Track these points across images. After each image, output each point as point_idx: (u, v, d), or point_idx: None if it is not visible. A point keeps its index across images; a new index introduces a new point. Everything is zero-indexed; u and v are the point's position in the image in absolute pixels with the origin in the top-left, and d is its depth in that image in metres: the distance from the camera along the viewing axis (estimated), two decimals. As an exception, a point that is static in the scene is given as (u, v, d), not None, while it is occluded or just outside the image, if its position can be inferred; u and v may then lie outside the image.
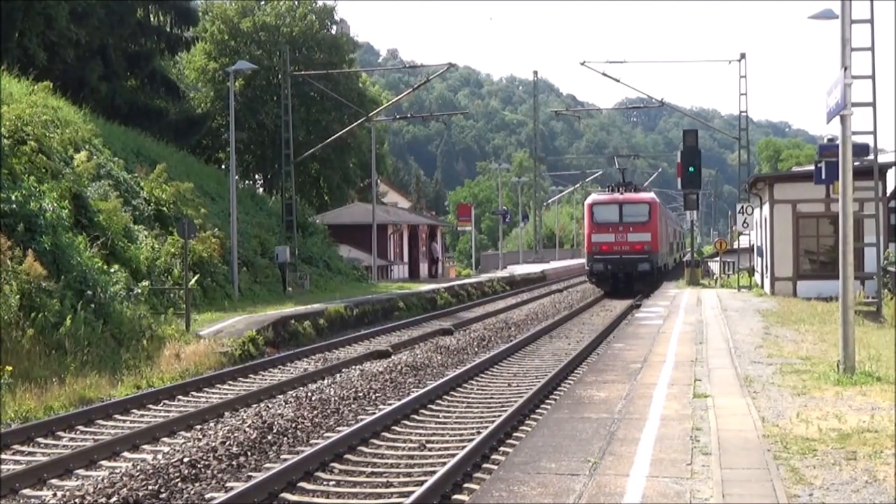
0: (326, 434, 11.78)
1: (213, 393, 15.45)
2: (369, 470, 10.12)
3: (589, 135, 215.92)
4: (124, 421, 13.12)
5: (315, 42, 49.60)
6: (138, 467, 9.97)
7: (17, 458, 10.91)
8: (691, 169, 34.86)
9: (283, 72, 35.25)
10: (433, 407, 13.69)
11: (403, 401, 13.42)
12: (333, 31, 51.61)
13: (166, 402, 14.49)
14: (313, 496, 9.23)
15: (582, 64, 38.61)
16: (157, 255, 24.23)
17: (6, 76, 26.04)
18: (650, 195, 40.41)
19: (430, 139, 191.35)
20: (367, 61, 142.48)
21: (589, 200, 39.92)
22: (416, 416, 12.94)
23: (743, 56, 37.97)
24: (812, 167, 23.91)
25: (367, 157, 49.44)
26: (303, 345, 21.57)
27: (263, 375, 17.31)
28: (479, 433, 11.32)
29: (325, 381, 16.13)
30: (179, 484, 9.40)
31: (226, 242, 28.39)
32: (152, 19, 39.58)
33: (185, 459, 10.19)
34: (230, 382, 16.38)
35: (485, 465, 10.07)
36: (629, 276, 37.24)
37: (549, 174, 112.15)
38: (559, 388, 14.95)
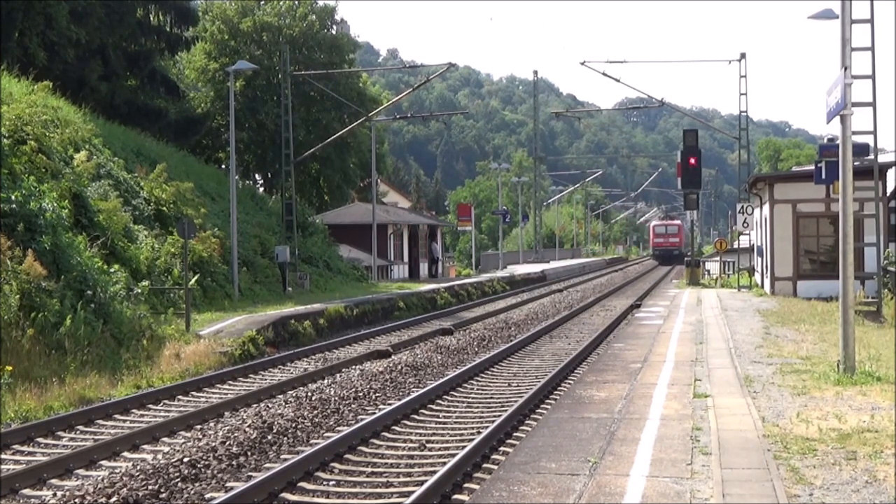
0: (326, 434, 11.78)
1: (213, 393, 15.44)
2: (369, 470, 10.12)
3: (589, 135, 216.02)
4: (124, 421, 13.12)
5: (315, 42, 49.55)
6: (138, 467, 9.97)
7: (17, 458, 10.91)
8: (691, 168, 34.89)
9: (283, 72, 35.22)
10: (433, 407, 13.69)
11: (403, 401, 13.41)
12: (333, 31, 51.59)
13: (166, 402, 14.48)
14: (313, 496, 9.23)
15: (582, 64, 38.74)
16: (157, 255, 24.23)
17: (6, 76, 26.02)
18: (678, 221, 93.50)
19: (430, 139, 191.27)
20: (367, 61, 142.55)
21: (651, 223, 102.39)
22: (416, 416, 12.94)
23: (743, 56, 37.98)
24: (812, 167, 23.93)
25: (367, 157, 49.41)
26: (303, 345, 21.57)
27: (263, 375, 17.31)
28: (479, 433, 11.31)
29: (325, 381, 16.13)
30: (179, 484, 9.40)
31: (226, 242, 28.38)
32: (152, 19, 39.51)
33: (185, 459, 10.18)
34: (230, 382, 16.38)
35: (485, 465, 10.06)
36: (670, 257, 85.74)
37: (549, 174, 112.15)
38: (559, 388, 14.95)
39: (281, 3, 50.52)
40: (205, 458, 10.33)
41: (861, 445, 8.37)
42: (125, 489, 9.12)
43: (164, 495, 9.06)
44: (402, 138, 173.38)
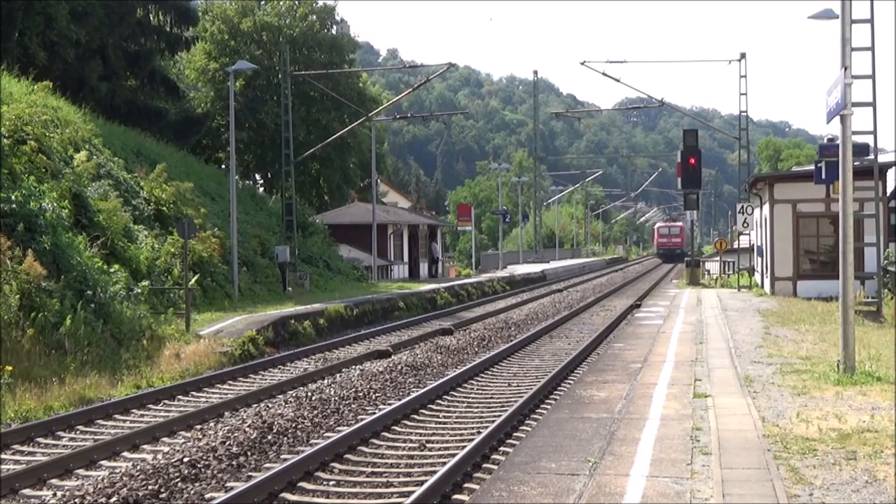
0: (326, 434, 11.78)
1: (213, 393, 15.44)
2: (369, 470, 10.12)
3: (589, 135, 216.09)
4: (124, 421, 13.12)
5: (315, 42, 49.58)
6: (138, 467, 9.97)
7: (17, 458, 10.91)
8: (691, 168, 34.90)
9: (283, 72, 35.22)
10: (433, 407, 13.68)
11: (403, 401, 13.42)
12: (333, 32, 51.60)
13: (166, 402, 14.48)
14: (313, 496, 9.23)
15: (582, 64, 38.68)
16: (157, 255, 24.23)
17: (6, 76, 26.02)
18: (681, 223, 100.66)
19: (430, 139, 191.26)
20: (367, 61, 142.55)
21: (656, 225, 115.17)
22: (416, 416, 12.94)
23: (743, 56, 37.98)
24: (812, 167, 23.94)
25: (367, 157, 49.43)
26: (303, 345, 21.57)
27: (263, 375, 17.31)
28: (479, 433, 11.31)
29: (325, 381, 16.13)
30: (179, 484, 9.40)
31: (226, 242, 28.38)
32: (152, 19, 39.51)
33: (185, 459, 10.18)
34: (230, 382, 16.38)
35: (485, 465, 10.06)
36: (673, 255, 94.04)
37: (549, 174, 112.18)
38: (559, 388, 14.95)
39: (281, 3, 50.55)
40: (205, 458, 10.33)
41: (861, 445, 8.37)
42: (125, 489, 9.12)
43: (164, 495, 9.06)
44: (402, 138, 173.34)
